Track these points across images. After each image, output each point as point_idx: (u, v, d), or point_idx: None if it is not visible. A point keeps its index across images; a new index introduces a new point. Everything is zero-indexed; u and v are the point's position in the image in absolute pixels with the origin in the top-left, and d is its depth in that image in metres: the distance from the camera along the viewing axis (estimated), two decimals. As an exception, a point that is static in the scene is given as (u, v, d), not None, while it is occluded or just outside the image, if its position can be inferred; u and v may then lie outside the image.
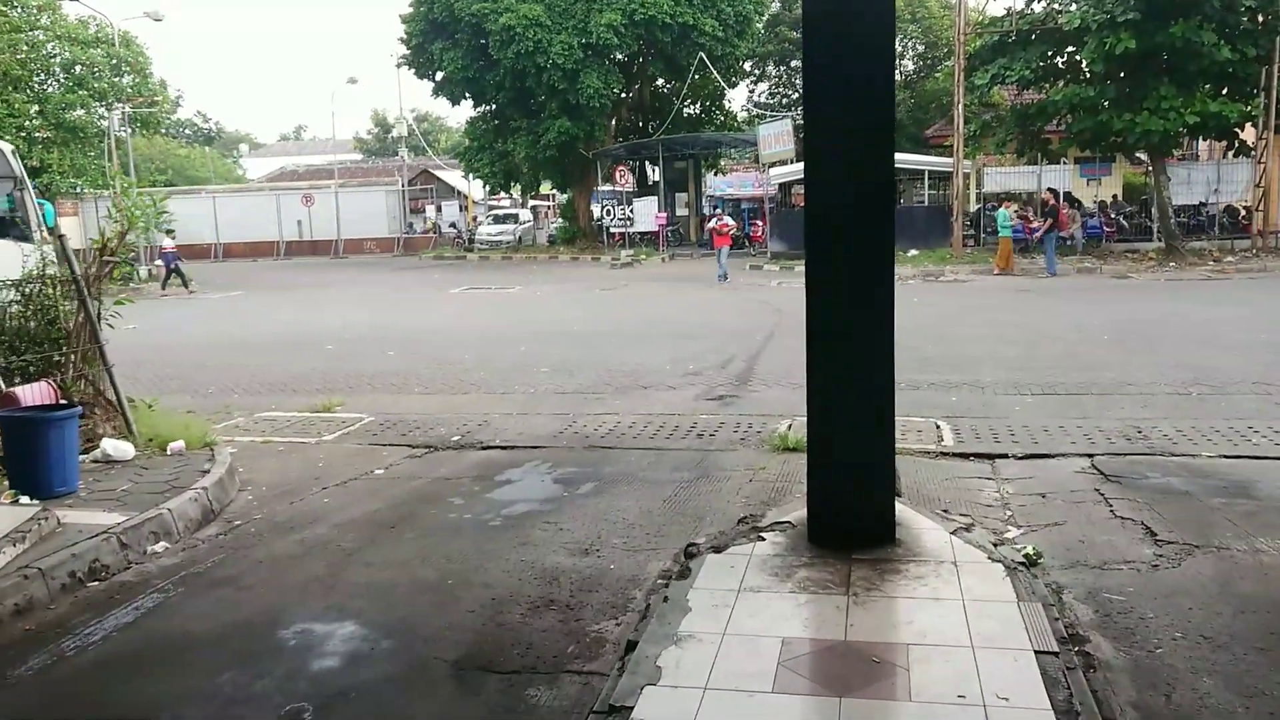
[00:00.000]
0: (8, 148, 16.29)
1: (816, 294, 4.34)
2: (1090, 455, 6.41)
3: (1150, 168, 26.13)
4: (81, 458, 5.99)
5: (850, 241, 4.20)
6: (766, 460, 6.50)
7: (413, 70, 37.21)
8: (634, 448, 7.06)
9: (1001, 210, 22.59)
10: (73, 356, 6.47)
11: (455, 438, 7.62)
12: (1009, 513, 5.20)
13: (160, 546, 4.77)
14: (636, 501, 5.48)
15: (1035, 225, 23.32)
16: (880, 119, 4.17)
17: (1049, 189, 22.65)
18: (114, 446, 6.04)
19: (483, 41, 33.30)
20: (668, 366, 10.51)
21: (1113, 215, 26.81)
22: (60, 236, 6.27)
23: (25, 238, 16.06)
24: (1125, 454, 6.39)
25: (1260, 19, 21.40)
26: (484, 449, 7.27)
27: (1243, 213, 25.74)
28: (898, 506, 4.69)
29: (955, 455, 6.57)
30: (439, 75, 35.84)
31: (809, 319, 4.32)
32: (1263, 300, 15.14)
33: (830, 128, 4.20)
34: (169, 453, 6.35)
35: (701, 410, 8.32)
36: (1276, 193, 23.47)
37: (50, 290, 6.67)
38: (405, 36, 36.16)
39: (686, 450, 6.91)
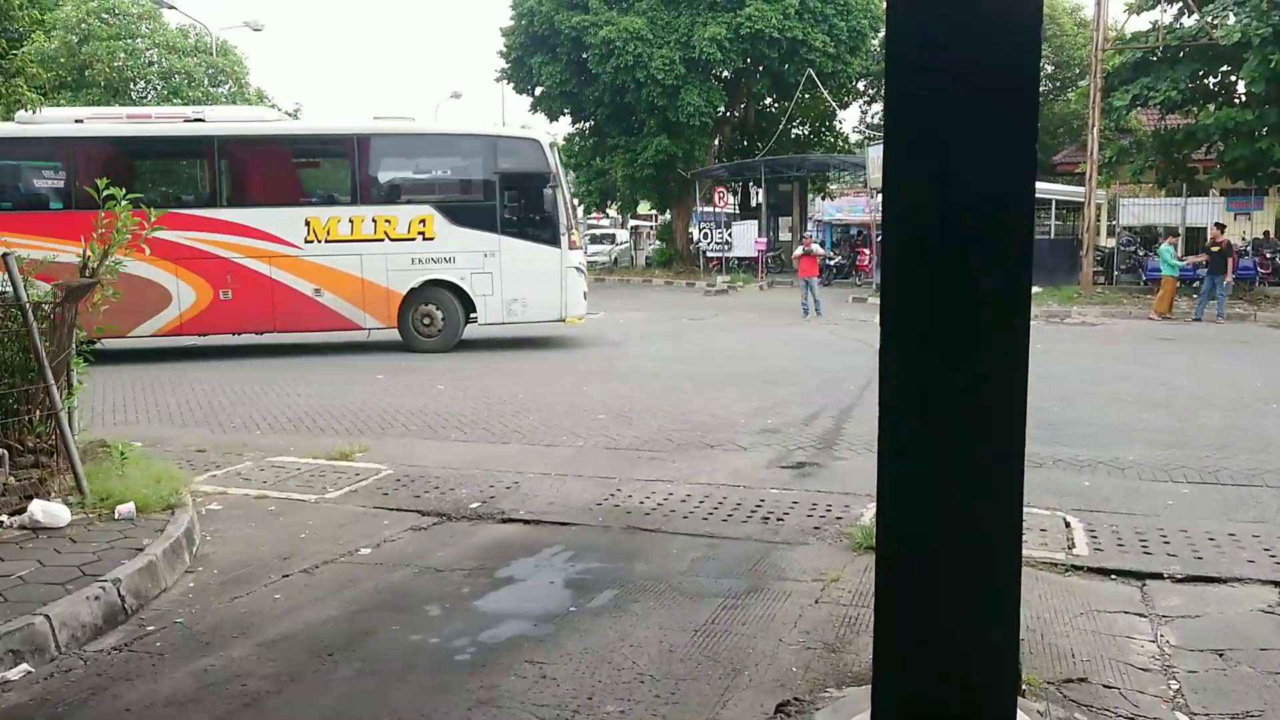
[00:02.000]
0: (545, 139, 15.77)
1: (900, 367, 2.92)
2: (1277, 584, 4.91)
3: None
4: (9, 522, 5.08)
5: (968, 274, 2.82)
6: (843, 563, 5.19)
7: (511, 84, 36.86)
8: (680, 533, 5.83)
9: (1165, 246, 20.48)
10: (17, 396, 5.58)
11: (475, 504, 6.52)
12: (1174, 684, 3.78)
13: (18, 672, 3.69)
14: (660, 629, 4.24)
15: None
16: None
17: (1217, 223, 20.46)
18: (44, 510, 5.09)
19: (582, 56, 32.66)
20: (742, 420, 9.23)
21: (1268, 255, 24.36)
22: (6, 254, 5.36)
23: (554, 241, 15.34)
24: (1328, 586, 4.87)
25: None
26: (504, 521, 6.15)
27: None
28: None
29: (1092, 571, 5.13)
30: (538, 90, 35.40)
31: (882, 420, 2.93)
32: None
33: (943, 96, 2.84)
34: (117, 516, 5.39)
35: (772, 482, 7.02)
36: None
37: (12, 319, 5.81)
38: (505, 50, 35.86)
39: (744, 541, 5.64)
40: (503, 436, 8.76)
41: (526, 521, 6.15)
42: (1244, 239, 25.31)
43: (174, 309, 14.26)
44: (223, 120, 14.95)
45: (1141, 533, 5.73)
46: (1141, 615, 4.49)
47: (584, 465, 7.61)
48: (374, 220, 14.52)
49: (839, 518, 6.09)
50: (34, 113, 14.11)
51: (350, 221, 14.54)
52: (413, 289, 14.72)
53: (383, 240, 14.53)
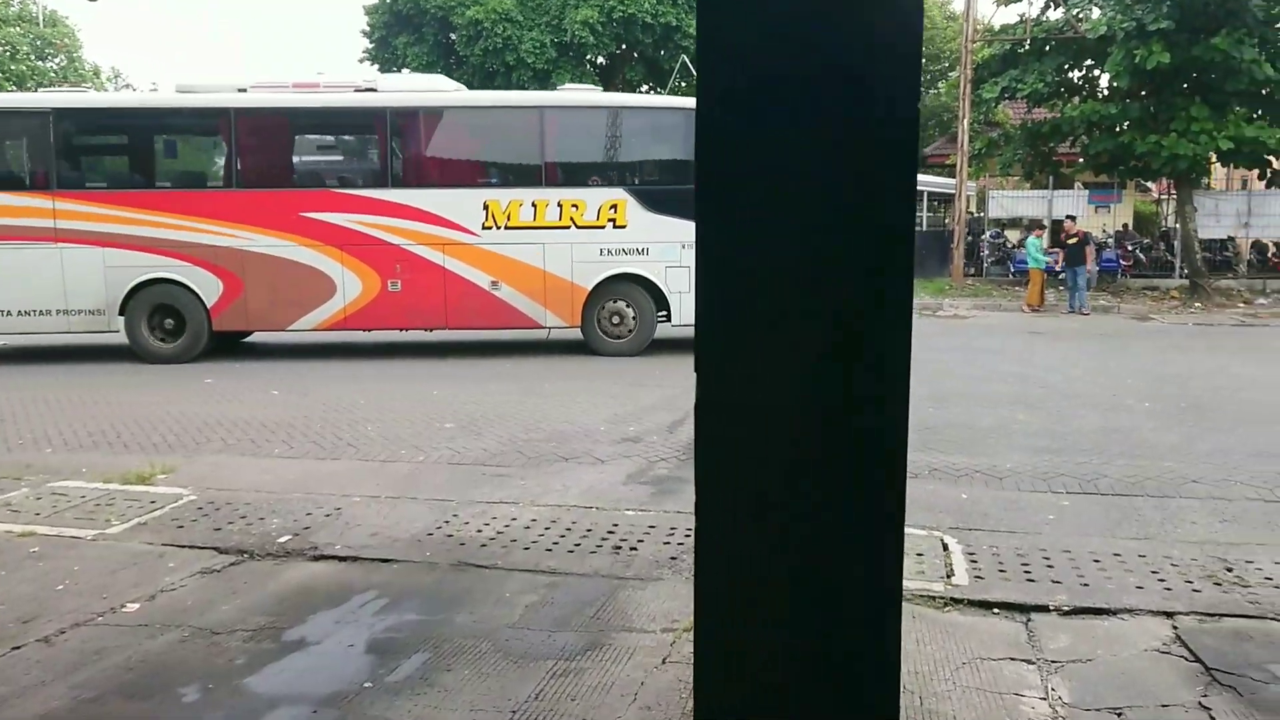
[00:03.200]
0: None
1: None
2: (1170, 614, 4.49)
3: (1162, 196, 24.48)
4: None
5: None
6: (700, 605, 4.55)
7: (376, 65, 35.34)
8: (518, 569, 5.12)
9: (1033, 239, 20.71)
10: None
11: (285, 537, 5.67)
12: (1072, 757, 3.27)
13: None
14: (470, 713, 3.50)
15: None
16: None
17: (1069, 216, 20.81)
18: None
19: (450, 37, 31.54)
20: (602, 428, 8.57)
21: (1129, 247, 25.08)
22: None
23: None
24: (1221, 615, 4.48)
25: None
26: (315, 559, 5.33)
27: (1272, 250, 24.06)
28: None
29: (974, 605, 4.63)
30: (404, 71, 34.00)
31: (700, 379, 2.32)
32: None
33: None
34: None
35: (629, 502, 6.38)
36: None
37: None
38: (368, 28, 34.39)
39: (590, 578, 4.96)
40: (334, 451, 7.88)
41: (341, 559, 5.34)
42: (1105, 231, 26.00)
43: (338, 300, 12.92)
44: (397, 90, 13.46)
45: (1024, 554, 5.29)
46: (1030, 662, 3.99)
47: (421, 485, 6.82)
48: (560, 205, 12.87)
49: (699, 545, 5.46)
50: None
51: (533, 206, 12.87)
52: (599, 284, 13.11)
53: (568, 228, 12.89)
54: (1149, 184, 29.95)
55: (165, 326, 12.93)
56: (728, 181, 2.19)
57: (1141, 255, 25.25)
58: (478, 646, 4.09)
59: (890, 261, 2.12)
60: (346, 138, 14.12)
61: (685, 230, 12.54)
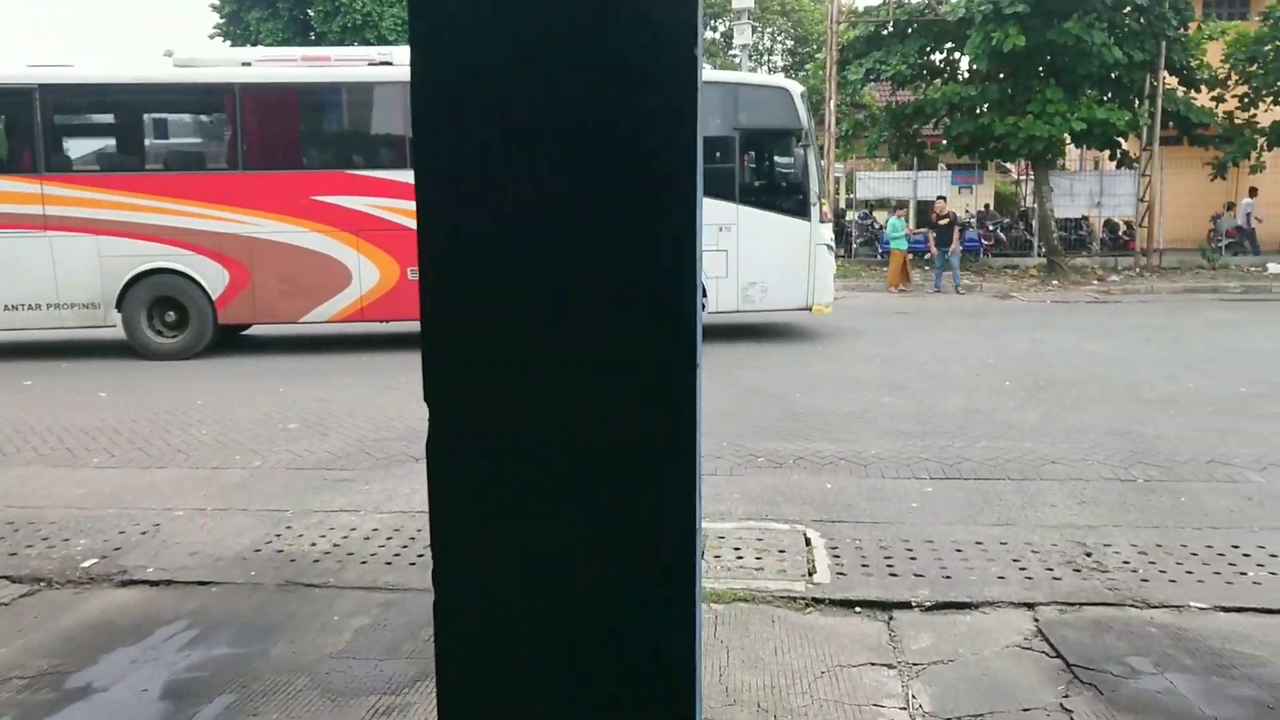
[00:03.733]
0: (795, 88, 12.81)
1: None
2: (1031, 606, 4.40)
3: (1021, 177, 25.25)
4: None
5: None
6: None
7: (228, 42, 33.66)
8: (352, 586, 4.71)
9: (894, 219, 21.06)
10: None
11: (90, 561, 5.12)
12: (932, 778, 3.08)
13: None
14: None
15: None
16: None
17: (940, 197, 21.25)
18: None
19: (306, 12, 30.21)
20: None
21: (990, 227, 25.83)
22: None
23: (802, 213, 12.54)
24: (1081, 604, 4.41)
25: (1143, 20, 20.47)
26: (123, 584, 4.82)
27: (1123, 228, 25.12)
28: None
29: (835, 604, 4.45)
30: (258, 47, 32.48)
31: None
32: (1166, 330, 13.84)
33: None
34: None
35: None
36: (1159, 208, 22.77)
37: None
38: (218, 2, 32.67)
39: (429, 593, 4.58)
40: (161, 458, 7.25)
41: (153, 583, 4.83)
42: (968, 212, 26.71)
43: (354, 290, 12.12)
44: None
45: (887, 547, 5.15)
46: (891, 667, 3.81)
47: (254, 494, 6.31)
48: None
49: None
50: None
51: None
52: None
53: None
54: (1008, 165, 30.94)
55: (166, 320, 12.10)
56: (447, 178, 1.86)
57: (1002, 235, 26.03)
58: (293, 683, 3.68)
59: (671, 259, 1.81)
60: (360, 115, 12.98)
61: (722, 212, 12.20)
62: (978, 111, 21.30)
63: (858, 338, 13.11)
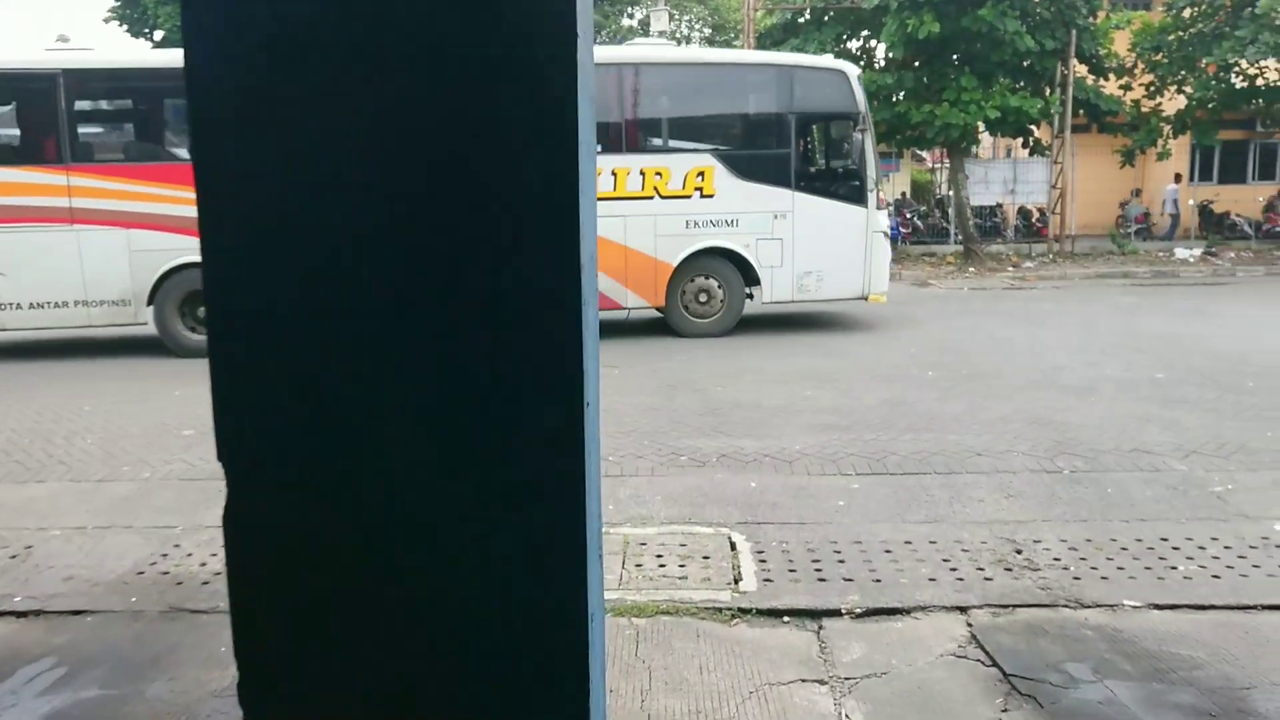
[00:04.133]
0: (852, 70, 12.34)
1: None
2: (964, 609, 4.25)
3: (936, 165, 25.51)
4: None
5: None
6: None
7: (125, 27, 32.29)
8: (244, 611, 4.34)
9: None
10: None
11: (-51, 590, 4.65)
12: (869, 811, 2.88)
13: None
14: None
15: None
16: None
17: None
18: None
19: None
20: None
21: (908, 215, 26.09)
22: None
23: (859, 199, 12.06)
24: (1015, 606, 4.28)
25: (1054, 9, 20.78)
26: (-19, 618, 4.37)
27: (1036, 215, 25.57)
28: None
29: (763, 614, 4.25)
30: (157, 34, 31.20)
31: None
32: (1081, 315, 14.01)
33: None
34: None
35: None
36: (1071, 195, 23.21)
37: None
38: (111, -16, 31.31)
39: (330, 617, 4.25)
40: (40, 471, 6.75)
41: (20, 614, 4.41)
42: (886, 201, 26.97)
43: None
44: None
45: (814, 549, 4.97)
46: (822, 683, 3.61)
47: (140, 509, 5.87)
48: (642, 173, 11.66)
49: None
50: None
51: (613, 174, 11.61)
52: (685, 259, 11.98)
53: (651, 198, 11.71)
54: (923, 153, 31.34)
55: (199, 316, 11.48)
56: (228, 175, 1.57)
57: (919, 223, 26.32)
58: (164, 728, 3.33)
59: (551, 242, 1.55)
60: None
61: (777, 199, 11.95)
62: (894, 100, 21.42)
63: (780, 327, 13.00)
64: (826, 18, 22.30)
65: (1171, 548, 4.94)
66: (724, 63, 12.79)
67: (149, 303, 11.48)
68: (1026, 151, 24.36)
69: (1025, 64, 20.90)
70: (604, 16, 32.56)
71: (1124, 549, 4.93)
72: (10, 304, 11.24)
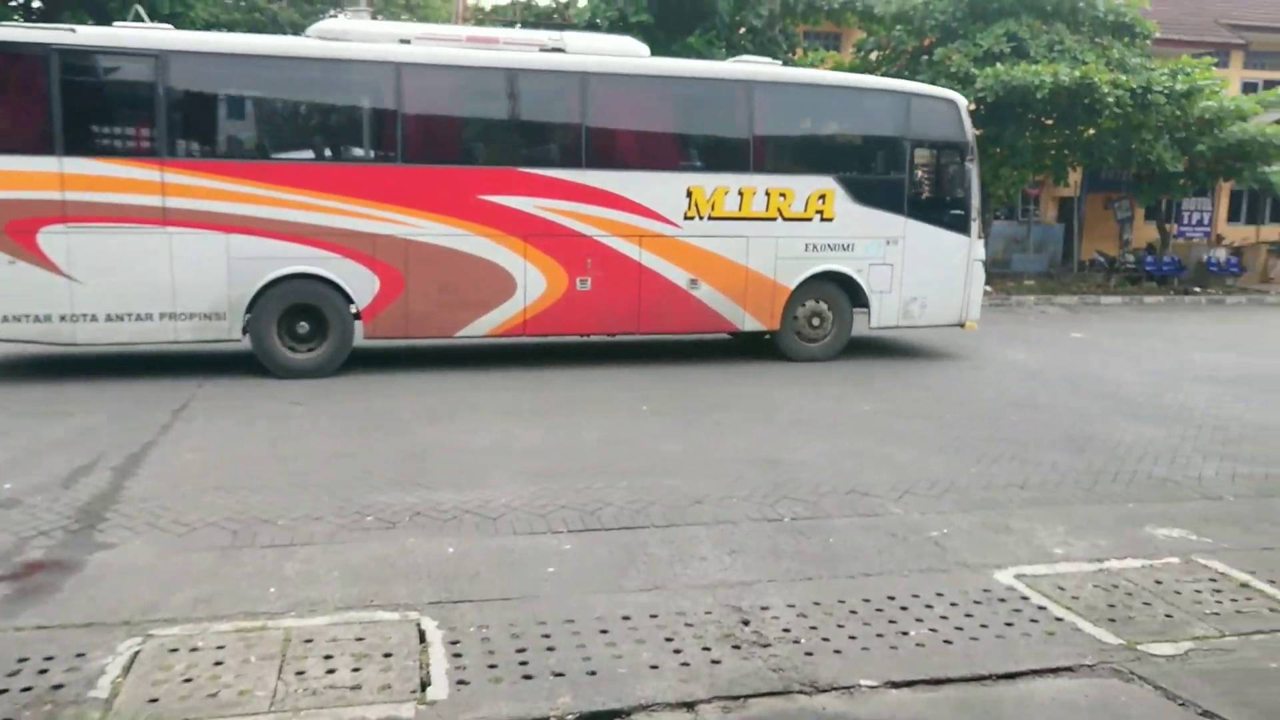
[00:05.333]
0: (962, 101, 12.73)
1: None
2: (692, 706, 3.70)
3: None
4: None
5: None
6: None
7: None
8: None
9: None
10: None
11: None
12: None
13: None
14: None
15: None
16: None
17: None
18: None
19: None
20: (-28, 486, 6.29)
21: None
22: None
23: (964, 228, 12.31)
24: (746, 697, 3.77)
25: (757, 41, 21.52)
26: None
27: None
28: None
29: (452, 733, 3.48)
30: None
31: None
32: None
33: None
34: None
35: (-20, 616, 4.40)
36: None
37: None
38: None
39: None
40: None
41: None
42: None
43: (518, 301, 10.91)
44: (587, 52, 11.08)
45: (519, 635, 4.26)
46: (524, 834, 2.89)
47: None
48: (767, 194, 11.43)
49: (59, 686, 3.73)
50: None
51: (739, 194, 11.34)
52: (801, 282, 11.81)
53: (774, 219, 11.52)
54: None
55: (296, 332, 10.35)
56: None
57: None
58: None
59: None
60: (535, 107, 11.21)
61: (891, 225, 12.01)
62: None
63: (495, 358, 12.23)
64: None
65: (900, 608, 4.66)
66: (845, 86, 12.48)
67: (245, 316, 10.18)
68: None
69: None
70: (303, 16, 30.59)
71: (854, 612, 4.59)
72: (84, 315, 9.65)
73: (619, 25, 19.15)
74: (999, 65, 19.71)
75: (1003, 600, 4.80)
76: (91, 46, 9.66)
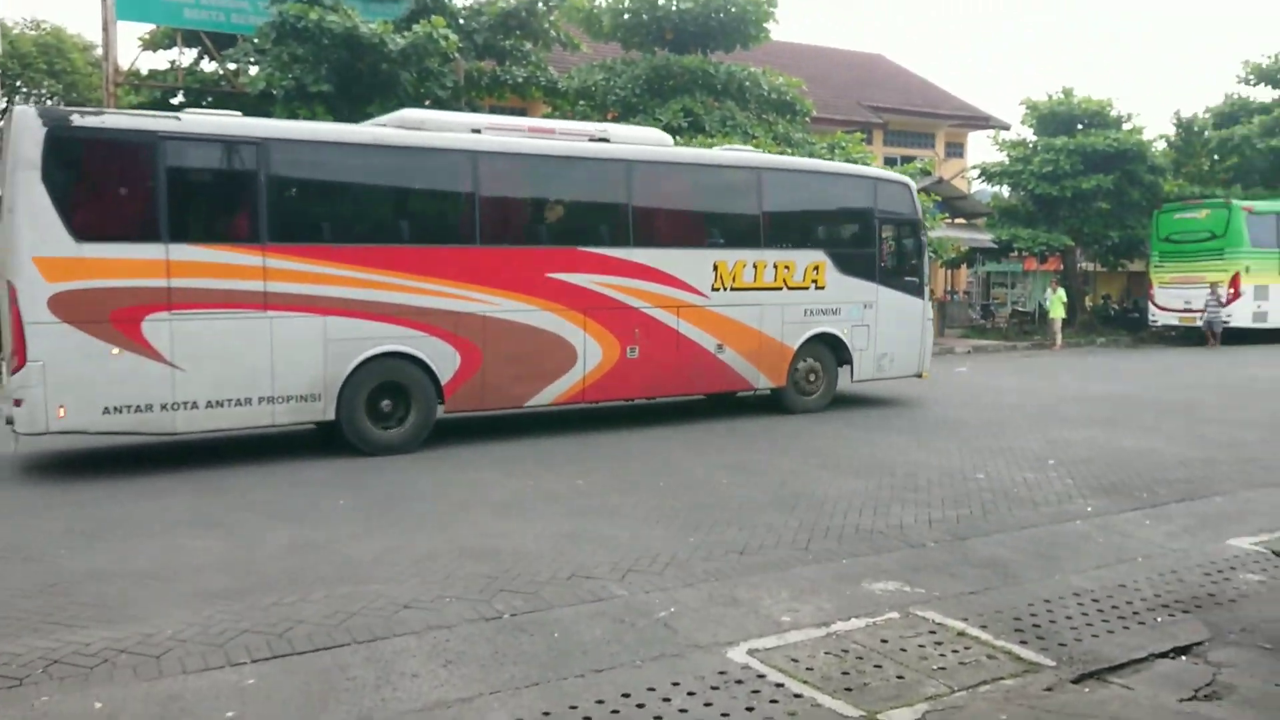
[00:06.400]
0: (912, 183, 14.98)
1: None
2: None
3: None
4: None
5: None
6: None
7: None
8: None
9: None
10: None
11: None
12: None
13: None
14: None
15: None
16: None
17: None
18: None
19: None
20: None
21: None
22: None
23: (919, 291, 14.57)
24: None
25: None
26: None
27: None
28: None
29: None
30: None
31: None
32: (509, 420, 13.78)
33: None
34: None
35: None
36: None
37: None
38: None
39: None
40: None
41: None
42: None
43: (578, 370, 11.62)
44: (629, 142, 12.30)
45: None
46: None
47: None
48: (775, 266, 12.97)
49: None
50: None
51: (754, 267, 12.81)
52: (802, 343, 13.41)
53: (780, 289, 13.09)
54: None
55: (381, 410, 10.45)
56: None
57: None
58: None
59: None
60: (590, 190, 12.27)
61: (867, 291, 13.87)
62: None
63: (150, 458, 10.85)
64: (205, 102, 20.41)
65: (636, 705, 4.29)
66: (830, 171, 14.97)
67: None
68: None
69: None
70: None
71: (588, 718, 4.15)
72: (185, 403, 9.51)
73: (297, 94, 18.21)
74: (677, 139, 20.57)
75: (740, 682, 4.55)
76: (198, 135, 9.60)
